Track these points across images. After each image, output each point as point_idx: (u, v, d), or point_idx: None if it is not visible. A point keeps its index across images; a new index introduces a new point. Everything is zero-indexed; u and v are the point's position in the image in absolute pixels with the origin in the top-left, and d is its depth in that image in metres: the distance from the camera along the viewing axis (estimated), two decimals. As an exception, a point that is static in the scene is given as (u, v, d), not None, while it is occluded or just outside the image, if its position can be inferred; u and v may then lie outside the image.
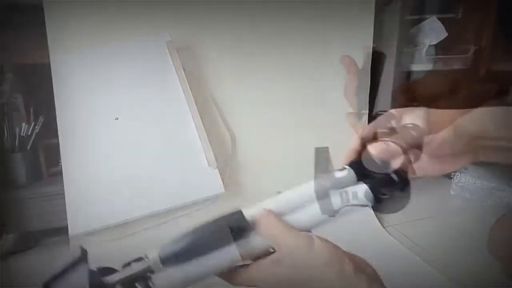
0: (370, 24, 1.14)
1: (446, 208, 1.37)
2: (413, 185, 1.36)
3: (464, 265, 1.05)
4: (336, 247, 0.34)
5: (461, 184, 1.40)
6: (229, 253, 0.35)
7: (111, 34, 0.95)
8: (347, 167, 0.40)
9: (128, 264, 0.36)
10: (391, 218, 1.27)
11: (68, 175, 0.97)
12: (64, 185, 0.97)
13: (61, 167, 0.98)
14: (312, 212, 0.38)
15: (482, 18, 1.39)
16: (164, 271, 0.35)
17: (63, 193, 0.98)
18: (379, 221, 1.22)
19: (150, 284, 0.35)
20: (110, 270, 0.36)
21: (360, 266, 0.34)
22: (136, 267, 0.34)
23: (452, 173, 1.44)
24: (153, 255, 0.35)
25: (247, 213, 0.37)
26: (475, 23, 1.41)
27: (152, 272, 0.35)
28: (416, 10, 1.32)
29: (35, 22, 0.89)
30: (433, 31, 1.30)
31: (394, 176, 0.38)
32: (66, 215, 0.99)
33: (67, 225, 0.99)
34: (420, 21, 1.34)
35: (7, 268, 1.02)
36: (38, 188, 1.05)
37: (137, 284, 0.34)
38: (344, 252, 0.34)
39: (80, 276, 0.32)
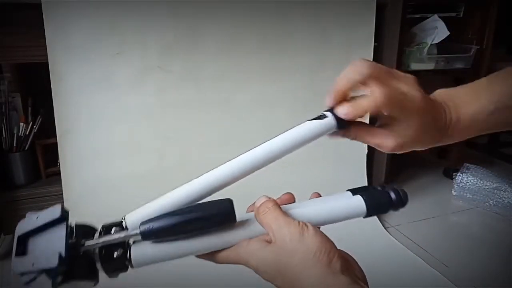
0: (371, 24, 1.13)
1: (447, 208, 1.36)
2: (414, 185, 1.35)
3: (465, 266, 1.05)
4: (329, 241, 0.33)
5: (463, 184, 1.39)
6: (212, 239, 0.35)
7: (110, 34, 0.94)
8: (327, 113, 0.39)
9: (109, 228, 0.35)
10: (392, 218, 1.26)
11: (66, 175, 0.97)
12: (62, 185, 0.97)
13: (59, 167, 0.97)
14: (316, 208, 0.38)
15: (483, 17, 1.39)
16: (144, 243, 0.35)
17: (61, 193, 0.98)
18: (380, 221, 1.21)
19: (128, 253, 0.34)
20: (89, 229, 0.35)
21: (348, 266, 0.33)
22: (116, 236, 0.34)
23: (454, 173, 1.44)
24: (133, 228, 0.34)
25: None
26: (477, 22, 1.41)
27: (132, 241, 0.35)
28: (418, 9, 1.32)
29: (34, 21, 0.89)
30: (434, 30, 1.30)
31: (392, 195, 0.38)
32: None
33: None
34: (421, 20, 1.34)
35: (6, 268, 1.02)
36: (36, 188, 1.05)
37: (115, 252, 0.34)
38: (336, 248, 0.33)
39: (58, 238, 0.31)
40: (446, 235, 1.20)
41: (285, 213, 0.35)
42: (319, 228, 0.37)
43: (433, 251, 1.09)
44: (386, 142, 0.38)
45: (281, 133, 0.39)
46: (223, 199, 0.35)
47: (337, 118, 0.38)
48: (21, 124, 1.04)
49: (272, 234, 0.34)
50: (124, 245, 0.34)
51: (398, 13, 1.18)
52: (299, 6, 1.07)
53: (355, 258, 0.36)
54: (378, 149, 0.40)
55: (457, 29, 1.37)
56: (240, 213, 0.38)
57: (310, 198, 0.42)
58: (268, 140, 0.39)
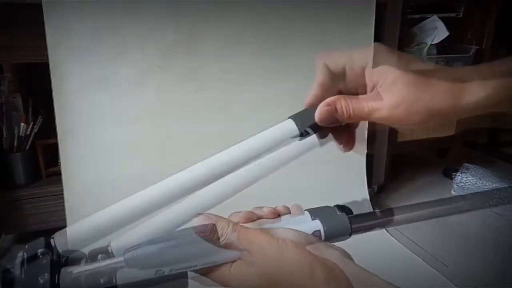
0: (371, 24, 1.14)
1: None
2: (414, 185, 1.35)
3: (465, 266, 1.05)
4: (310, 253, 0.34)
5: (462, 184, 1.39)
6: (197, 261, 0.35)
7: (111, 34, 0.94)
8: (309, 130, 0.39)
9: (95, 255, 0.35)
10: (392, 218, 1.26)
11: (67, 175, 0.97)
12: (63, 185, 0.97)
13: (60, 167, 0.98)
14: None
15: (483, 17, 1.39)
16: (129, 269, 0.35)
17: (62, 193, 0.98)
18: (380, 221, 1.21)
19: (114, 279, 0.34)
20: (78, 255, 0.36)
21: (333, 275, 0.33)
22: (102, 264, 0.34)
23: (453, 173, 1.44)
24: (119, 255, 0.35)
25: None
26: (477, 23, 1.41)
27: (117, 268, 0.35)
28: (417, 9, 1.32)
29: (34, 21, 0.89)
30: (434, 31, 1.30)
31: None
32: (65, 215, 0.98)
33: (66, 225, 0.99)
34: (421, 20, 1.34)
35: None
36: (37, 188, 1.05)
37: (101, 278, 0.34)
38: (318, 259, 0.34)
39: (44, 273, 0.32)
40: (446, 235, 1.20)
41: (262, 231, 0.35)
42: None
43: (433, 251, 1.09)
44: (379, 102, 0.35)
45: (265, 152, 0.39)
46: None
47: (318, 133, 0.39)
48: (22, 124, 1.04)
49: (248, 253, 0.34)
50: (110, 271, 0.35)
51: (398, 13, 1.18)
52: (299, 7, 1.07)
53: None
54: (377, 119, 0.36)
55: (457, 29, 1.37)
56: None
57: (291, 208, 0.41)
58: (258, 157, 0.39)
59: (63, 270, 0.33)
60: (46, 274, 0.32)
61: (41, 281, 0.31)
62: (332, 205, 0.41)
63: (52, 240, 0.34)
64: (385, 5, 1.16)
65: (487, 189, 1.34)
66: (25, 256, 0.32)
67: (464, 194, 1.38)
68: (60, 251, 0.34)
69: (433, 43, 1.30)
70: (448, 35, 1.30)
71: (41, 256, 0.33)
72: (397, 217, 0.41)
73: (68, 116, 0.95)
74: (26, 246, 0.33)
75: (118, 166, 1.00)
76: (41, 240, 0.34)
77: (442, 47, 1.34)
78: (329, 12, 1.10)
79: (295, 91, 1.12)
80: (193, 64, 1.02)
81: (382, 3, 1.14)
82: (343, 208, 0.40)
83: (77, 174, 0.98)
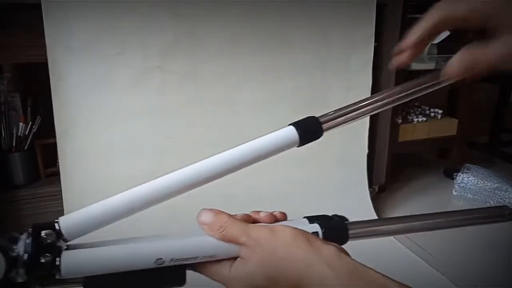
0: (371, 24, 1.13)
1: (448, 208, 1.36)
2: (415, 185, 1.35)
3: (465, 266, 1.04)
4: (306, 247, 0.33)
5: (463, 184, 1.39)
6: (198, 253, 0.35)
7: (110, 34, 0.94)
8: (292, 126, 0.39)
9: (38, 232, 0.33)
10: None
11: (66, 175, 0.97)
12: (62, 185, 0.97)
13: (59, 167, 0.97)
14: None
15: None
16: (77, 251, 0.34)
17: (61, 193, 0.97)
18: (380, 222, 1.21)
19: (58, 260, 0.33)
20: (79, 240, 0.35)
21: (329, 268, 0.33)
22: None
23: (454, 173, 1.44)
24: (67, 233, 0.34)
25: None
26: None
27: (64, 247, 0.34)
28: (417, 9, 1.32)
29: (34, 21, 0.89)
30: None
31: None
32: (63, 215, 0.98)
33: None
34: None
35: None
36: (35, 188, 1.05)
37: (42, 258, 0.32)
38: (314, 253, 0.33)
39: (45, 249, 0.32)
40: (446, 235, 1.20)
41: (259, 225, 0.35)
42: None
43: (433, 251, 1.09)
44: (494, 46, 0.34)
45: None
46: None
47: (300, 134, 0.39)
48: (21, 124, 1.04)
49: (246, 247, 0.34)
50: (53, 250, 0.33)
51: (398, 13, 1.18)
52: (299, 6, 1.07)
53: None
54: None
55: (457, 29, 1.37)
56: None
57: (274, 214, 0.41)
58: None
59: (64, 252, 0.33)
60: (48, 255, 0.31)
61: (43, 261, 0.31)
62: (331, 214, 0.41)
63: (56, 223, 0.33)
64: (385, 5, 1.16)
65: (488, 189, 1.34)
66: (30, 236, 0.32)
67: (465, 194, 1.38)
68: (63, 234, 0.33)
69: (433, 42, 1.30)
70: (449, 35, 1.29)
71: (44, 237, 0.32)
72: (396, 226, 0.41)
73: (67, 116, 0.95)
74: (31, 227, 0.33)
75: (117, 166, 1.00)
76: (46, 222, 0.33)
77: (442, 47, 1.34)
78: (329, 12, 1.10)
79: (295, 90, 1.12)
80: (193, 64, 1.02)
81: (382, 3, 1.14)
82: (340, 218, 0.40)
83: (76, 174, 0.97)
